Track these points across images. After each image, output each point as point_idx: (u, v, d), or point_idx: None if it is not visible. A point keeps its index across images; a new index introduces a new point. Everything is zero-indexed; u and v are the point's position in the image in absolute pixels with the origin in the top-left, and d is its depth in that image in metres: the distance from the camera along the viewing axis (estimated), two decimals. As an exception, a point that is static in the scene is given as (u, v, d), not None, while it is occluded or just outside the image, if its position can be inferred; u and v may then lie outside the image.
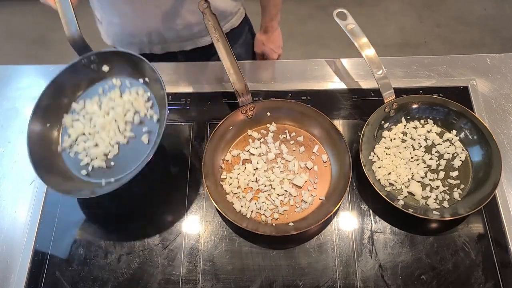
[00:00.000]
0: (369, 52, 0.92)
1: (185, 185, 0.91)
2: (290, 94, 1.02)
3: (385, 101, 0.92)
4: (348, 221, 0.87)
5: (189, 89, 1.04)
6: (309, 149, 0.94)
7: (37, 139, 0.86)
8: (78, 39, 0.88)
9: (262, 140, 0.95)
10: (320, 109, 0.93)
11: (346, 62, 1.08)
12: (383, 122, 0.94)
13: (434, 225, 0.86)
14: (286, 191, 0.88)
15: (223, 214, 0.82)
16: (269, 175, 0.90)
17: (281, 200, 0.87)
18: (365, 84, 1.04)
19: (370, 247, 0.84)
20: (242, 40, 1.22)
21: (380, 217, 0.87)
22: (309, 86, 1.04)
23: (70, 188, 0.83)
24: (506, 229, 0.84)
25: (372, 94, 1.01)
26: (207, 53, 1.15)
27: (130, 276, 0.82)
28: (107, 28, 1.13)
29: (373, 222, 0.86)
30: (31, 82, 1.07)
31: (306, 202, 0.87)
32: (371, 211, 0.87)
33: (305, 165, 0.92)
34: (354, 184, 0.90)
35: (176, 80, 1.06)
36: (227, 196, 0.88)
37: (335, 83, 1.05)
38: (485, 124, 0.89)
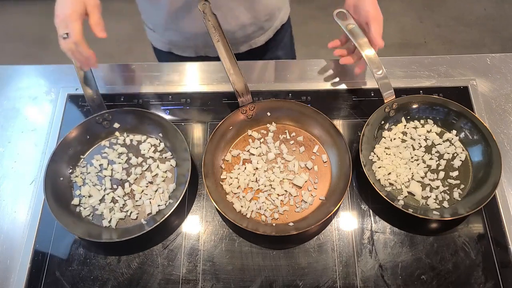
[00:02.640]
0: (369, 52, 0.92)
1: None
2: (290, 94, 1.02)
3: (385, 101, 0.92)
4: (348, 221, 0.87)
5: (189, 89, 1.04)
6: (309, 149, 0.94)
7: (53, 192, 0.86)
8: (96, 98, 0.93)
9: (262, 140, 0.95)
10: (320, 109, 0.93)
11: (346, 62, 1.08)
12: (383, 122, 0.94)
13: (434, 225, 0.86)
14: (286, 191, 0.88)
15: (223, 214, 0.82)
16: (269, 175, 0.90)
17: (281, 200, 0.87)
18: (365, 84, 1.04)
19: (370, 247, 0.84)
20: (286, 40, 1.21)
21: (380, 217, 0.87)
22: (309, 86, 1.04)
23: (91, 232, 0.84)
24: (506, 229, 0.84)
25: (372, 94, 1.01)
26: (259, 53, 1.15)
27: (130, 276, 0.82)
28: (162, 35, 1.13)
29: (373, 222, 0.86)
30: (31, 82, 1.07)
31: (306, 202, 0.87)
32: (371, 211, 0.87)
33: (305, 165, 0.91)
34: (354, 184, 0.90)
35: (176, 80, 1.06)
36: (227, 196, 0.88)
37: (335, 83, 1.05)
38: (485, 124, 0.89)
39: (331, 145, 0.92)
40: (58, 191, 0.87)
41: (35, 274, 0.82)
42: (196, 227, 0.87)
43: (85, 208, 0.88)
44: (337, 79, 1.05)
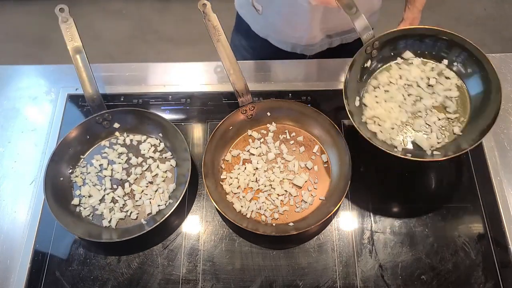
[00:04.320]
0: None
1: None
2: (290, 94, 1.02)
3: (365, 42, 0.84)
4: (348, 221, 0.87)
5: (189, 89, 1.04)
6: (309, 149, 0.94)
7: (54, 192, 0.86)
8: (96, 98, 0.93)
9: (262, 140, 0.95)
10: (320, 109, 0.93)
11: (345, 62, 1.08)
12: (367, 65, 0.87)
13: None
14: (286, 191, 0.88)
15: (223, 214, 0.82)
16: (269, 175, 0.90)
17: (281, 200, 0.87)
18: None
19: (370, 247, 0.84)
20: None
21: (380, 217, 0.87)
22: (309, 86, 1.04)
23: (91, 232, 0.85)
24: (506, 229, 0.84)
25: (372, 94, 1.01)
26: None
27: (130, 276, 0.82)
28: (266, 21, 1.08)
29: (373, 222, 0.86)
30: (31, 82, 1.07)
31: (306, 202, 0.87)
32: (371, 211, 0.87)
33: (305, 165, 0.91)
34: (354, 184, 0.90)
35: (176, 80, 1.06)
36: (227, 196, 0.88)
37: (335, 83, 1.05)
38: (480, 50, 0.82)
39: (331, 145, 0.92)
40: (58, 191, 0.87)
41: (35, 274, 0.83)
42: (196, 227, 0.87)
43: (85, 208, 0.88)
44: (336, 79, 1.05)
